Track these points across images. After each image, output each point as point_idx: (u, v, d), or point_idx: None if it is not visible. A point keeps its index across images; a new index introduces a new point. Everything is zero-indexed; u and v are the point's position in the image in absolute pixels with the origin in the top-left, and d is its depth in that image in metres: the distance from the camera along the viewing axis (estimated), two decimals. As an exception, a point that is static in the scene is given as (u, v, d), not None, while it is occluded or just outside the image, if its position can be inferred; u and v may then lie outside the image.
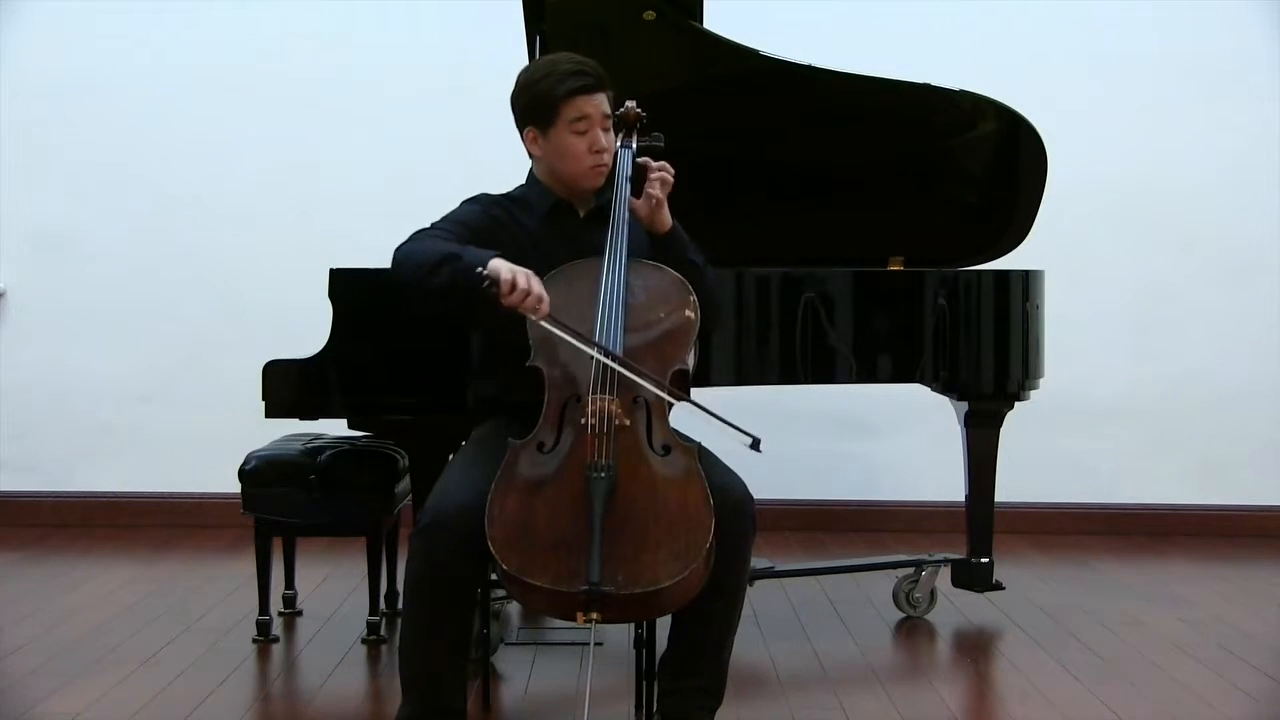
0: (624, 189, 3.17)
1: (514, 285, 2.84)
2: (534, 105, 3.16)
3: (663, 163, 3.16)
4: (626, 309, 3.00)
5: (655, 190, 3.11)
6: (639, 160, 3.17)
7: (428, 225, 3.13)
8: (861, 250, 4.29)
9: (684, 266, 3.16)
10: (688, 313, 3.06)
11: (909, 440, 5.58)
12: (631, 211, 3.13)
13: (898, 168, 4.35)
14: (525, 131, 3.21)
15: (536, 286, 2.87)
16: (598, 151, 3.14)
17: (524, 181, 3.31)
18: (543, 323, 2.89)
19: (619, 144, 3.28)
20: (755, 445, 2.85)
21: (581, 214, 3.26)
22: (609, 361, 2.90)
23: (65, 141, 5.62)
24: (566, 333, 2.91)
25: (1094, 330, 5.61)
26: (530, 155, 3.26)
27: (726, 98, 4.19)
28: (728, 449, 3.09)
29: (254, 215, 5.60)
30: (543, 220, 3.23)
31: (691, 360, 3.08)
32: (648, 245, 3.18)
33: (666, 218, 3.15)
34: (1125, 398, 5.65)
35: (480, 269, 2.85)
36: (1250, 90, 5.58)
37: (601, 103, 3.14)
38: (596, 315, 2.98)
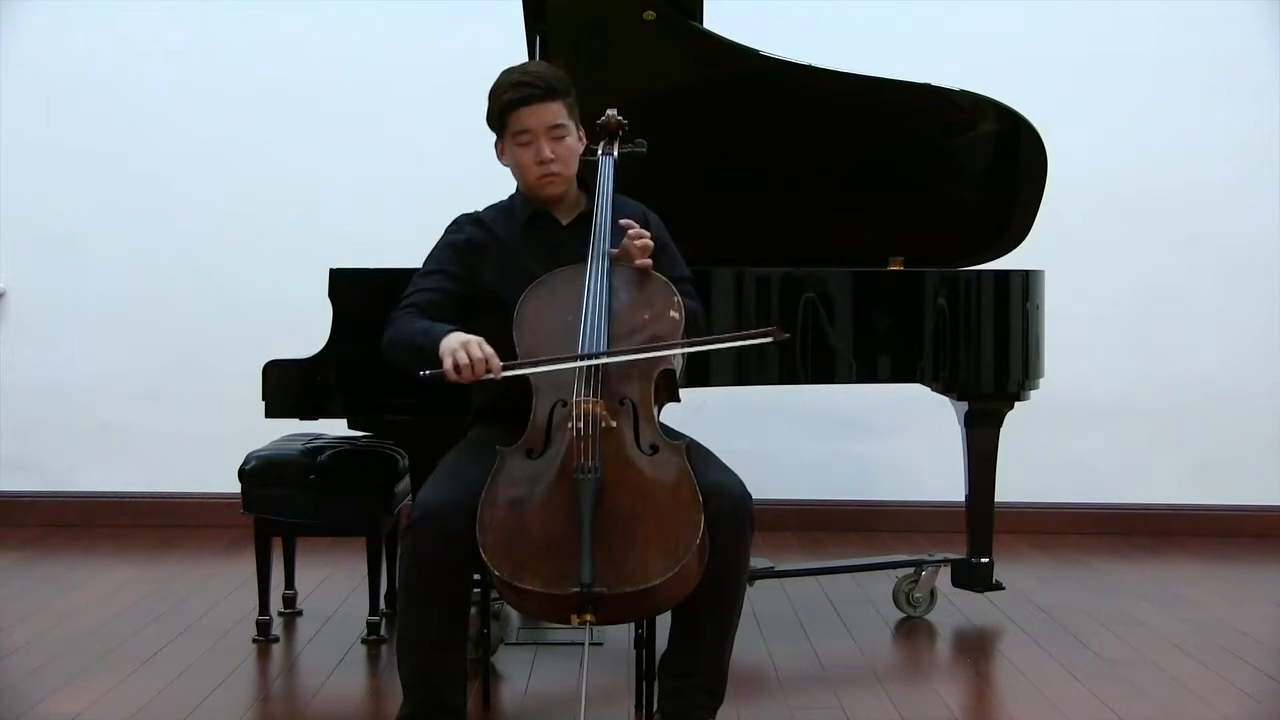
0: (606, 195, 3.18)
1: (457, 368, 2.88)
2: (490, 117, 3.22)
3: (641, 230, 3.12)
4: (610, 313, 3.01)
5: (637, 261, 3.09)
6: (620, 222, 3.13)
7: (410, 290, 3.18)
8: (861, 250, 4.29)
9: None
10: (672, 314, 3.06)
11: (909, 440, 5.58)
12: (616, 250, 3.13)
13: (898, 168, 4.36)
14: (496, 143, 3.26)
15: (478, 352, 2.89)
16: (543, 163, 3.16)
17: (514, 192, 3.34)
18: (504, 374, 2.92)
19: (600, 151, 3.29)
20: (773, 335, 2.93)
21: (565, 222, 3.26)
22: (594, 362, 2.92)
23: (66, 141, 5.62)
24: (535, 368, 2.94)
25: (1094, 330, 5.61)
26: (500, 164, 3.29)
27: (726, 98, 4.18)
28: (724, 448, 3.09)
29: (254, 215, 5.60)
30: (522, 229, 3.25)
31: (679, 361, 3.08)
32: None
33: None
34: (1125, 398, 5.65)
35: (424, 373, 2.90)
36: (1250, 90, 5.57)
37: (546, 113, 3.14)
38: (580, 320, 2.99)
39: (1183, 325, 5.66)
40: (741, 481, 2.98)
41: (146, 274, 5.64)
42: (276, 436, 4.20)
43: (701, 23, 4.05)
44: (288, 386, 3.71)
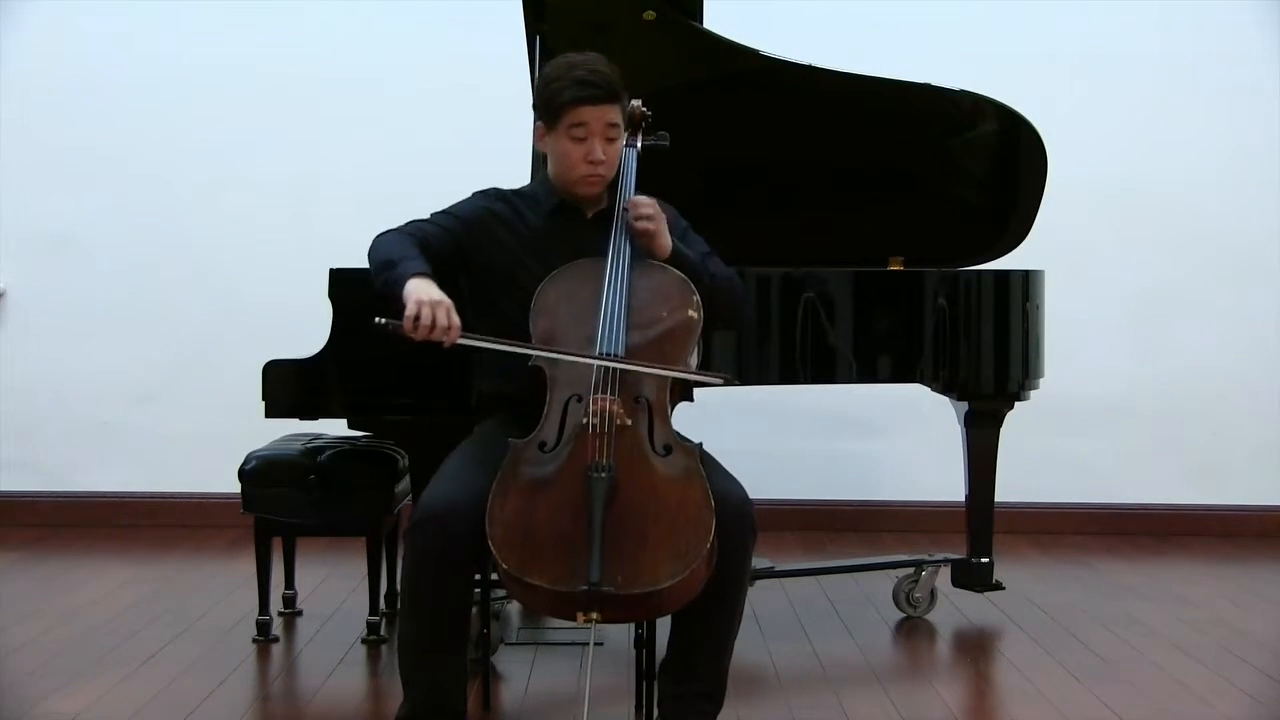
0: (630, 188, 3.17)
1: (417, 321, 2.83)
2: (543, 102, 3.16)
3: (637, 198, 3.13)
4: (629, 308, 3.01)
5: (637, 227, 3.10)
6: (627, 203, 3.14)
7: (419, 218, 3.17)
8: (861, 250, 4.28)
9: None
10: (690, 312, 3.06)
11: (909, 440, 5.58)
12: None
13: (898, 168, 4.35)
14: (536, 125, 3.20)
15: (444, 319, 2.84)
16: (593, 162, 3.12)
17: (538, 178, 3.31)
18: (460, 340, 2.88)
19: (624, 143, 3.27)
20: (729, 382, 2.96)
21: (589, 215, 3.24)
22: (539, 352, 2.96)
23: (65, 141, 5.62)
24: (487, 343, 2.92)
25: (1094, 330, 5.61)
26: (537, 148, 3.25)
27: (726, 97, 4.18)
28: (724, 448, 3.09)
29: (254, 215, 5.60)
30: (546, 218, 3.22)
31: (694, 361, 3.08)
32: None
33: (664, 245, 3.12)
34: (1125, 398, 5.65)
35: (379, 320, 2.83)
36: (1250, 90, 5.58)
37: (606, 114, 3.10)
38: (599, 314, 2.98)
39: (1183, 325, 5.66)
40: (744, 489, 2.97)
41: (147, 274, 5.64)
42: (276, 436, 4.20)
43: (701, 23, 4.05)
44: (288, 386, 3.70)
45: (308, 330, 3.80)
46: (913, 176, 4.36)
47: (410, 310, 2.84)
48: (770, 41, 4.13)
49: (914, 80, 4.20)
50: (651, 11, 3.99)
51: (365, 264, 3.66)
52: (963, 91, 4.26)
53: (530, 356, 2.99)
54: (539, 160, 3.91)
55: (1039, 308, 4.27)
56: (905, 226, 4.36)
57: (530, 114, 3.99)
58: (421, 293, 2.86)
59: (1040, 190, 4.32)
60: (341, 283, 3.72)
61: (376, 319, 2.83)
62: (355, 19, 5.59)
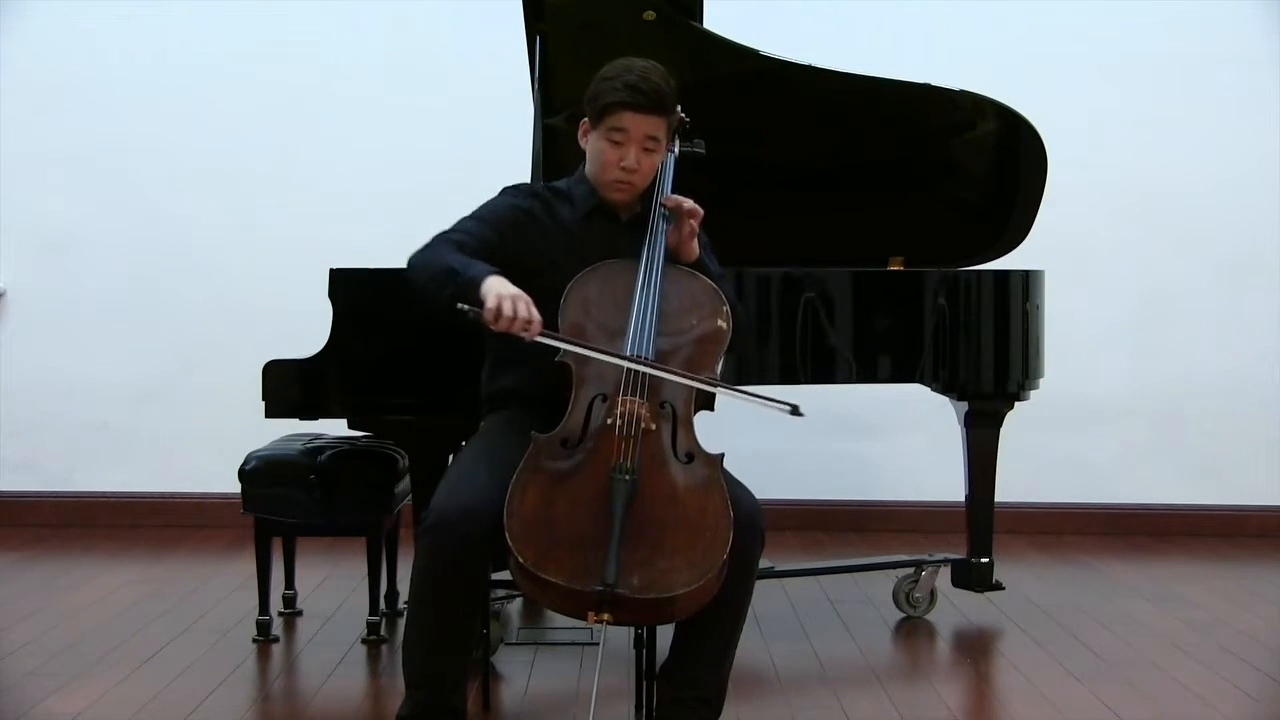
0: (666, 194, 3.17)
1: (498, 314, 2.82)
2: (590, 98, 3.14)
3: (691, 204, 3.13)
4: (660, 313, 3.00)
5: (687, 226, 3.10)
6: (668, 203, 3.14)
7: (452, 225, 3.13)
8: (861, 250, 4.28)
9: None
10: (720, 322, 3.07)
11: (909, 440, 5.58)
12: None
13: (898, 168, 4.35)
14: (582, 120, 3.19)
15: (524, 310, 2.84)
16: (624, 168, 3.10)
17: (574, 175, 3.28)
18: (536, 339, 2.87)
19: (661, 155, 3.23)
20: (795, 411, 2.92)
21: (623, 218, 3.22)
22: (630, 365, 2.90)
23: (66, 142, 5.62)
24: (568, 345, 2.90)
25: (1094, 330, 5.61)
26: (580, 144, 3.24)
27: (726, 98, 4.18)
28: (724, 448, 3.09)
29: (254, 215, 5.60)
30: (581, 219, 3.20)
31: (719, 371, 3.08)
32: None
33: (693, 251, 3.14)
34: (1125, 398, 5.65)
35: (462, 305, 2.82)
36: (1251, 91, 5.58)
37: (647, 124, 3.08)
38: (630, 317, 2.98)
39: (1183, 325, 5.66)
40: (754, 498, 2.98)
41: (147, 274, 5.64)
42: (276, 436, 4.20)
43: (701, 23, 4.05)
44: (288, 386, 3.71)
45: (308, 330, 3.80)
46: (913, 176, 4.36)
47: (491, 304, 2.83)
48: (770, 41, 4.13)
49: (914, 80, 4.20)
50: (651, 11, 3.99)
51: (367, 264, 3.72)
52: (963, 91, 4.26)
53: (558, 351, 2.96)
54: (538, 163, 3.93)
55: (1039, 308, 4.27)
56: (905, 226, 4.36)
57: (530, 113, 4.03)
58: (500, 285, 2.86)
59: (1040, 190, 4.32)
60: (341, 283, 3.72)
61: (459, 305, 2.83)
62: (355, 22, 5.59)
